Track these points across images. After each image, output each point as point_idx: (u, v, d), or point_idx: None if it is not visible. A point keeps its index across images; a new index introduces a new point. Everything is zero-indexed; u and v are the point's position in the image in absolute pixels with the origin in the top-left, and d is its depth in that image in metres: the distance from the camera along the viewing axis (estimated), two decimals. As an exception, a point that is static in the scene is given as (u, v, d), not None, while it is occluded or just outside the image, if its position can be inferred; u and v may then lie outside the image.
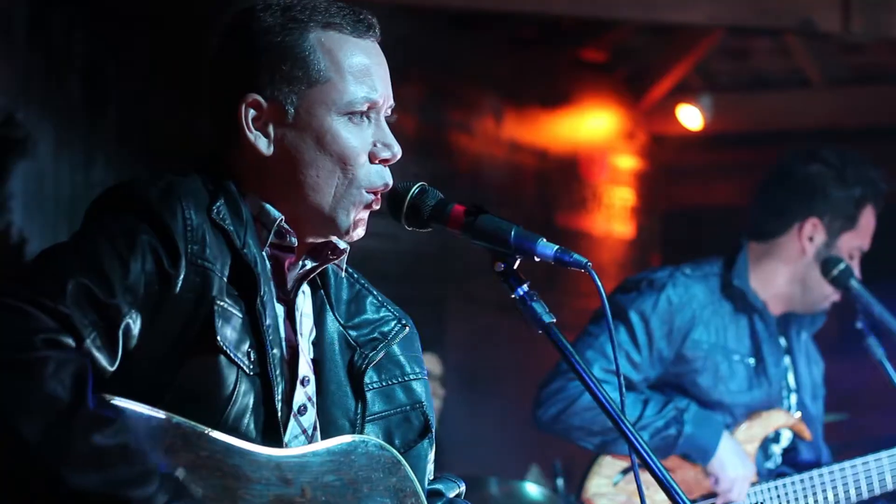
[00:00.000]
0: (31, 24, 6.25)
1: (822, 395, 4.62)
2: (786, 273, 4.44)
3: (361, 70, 2.51)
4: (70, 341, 2.24)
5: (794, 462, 4.46)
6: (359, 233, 2.53)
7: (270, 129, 2.49)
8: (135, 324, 2.31)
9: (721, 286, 4.41)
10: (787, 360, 4.52)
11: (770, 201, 4.48)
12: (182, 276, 2.35)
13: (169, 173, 2.47)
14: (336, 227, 2.51)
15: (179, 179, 2.44)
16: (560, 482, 5.70)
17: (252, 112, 2.48)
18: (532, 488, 5.41)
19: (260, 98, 2.48)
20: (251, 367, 2.39)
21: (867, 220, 4.44)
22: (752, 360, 4.39)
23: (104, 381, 2.28)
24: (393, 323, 2.64)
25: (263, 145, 2.48)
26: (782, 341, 4.51)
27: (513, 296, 2.45)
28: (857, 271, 4.42)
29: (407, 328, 2.65)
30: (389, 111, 2.56)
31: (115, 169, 6.56)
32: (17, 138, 6.16)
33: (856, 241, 4.43)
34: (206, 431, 2.31)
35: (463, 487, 2.74)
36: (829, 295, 4.42)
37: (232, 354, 2.36)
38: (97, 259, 2.30)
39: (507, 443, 7.49)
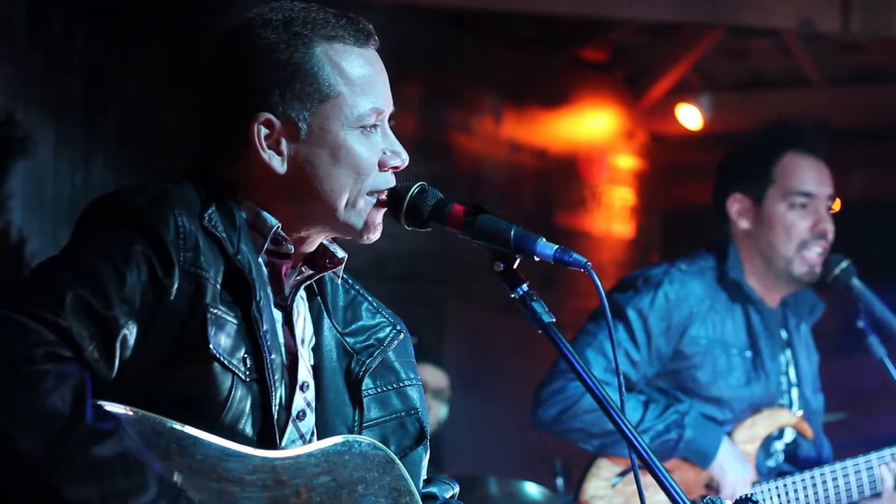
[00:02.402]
0: (31, 24, 6.25)
1: (820, 386, 4.61)
2: (751, 256, 4.43)
3: (368, 81, 2.51)
4: (69, 353, 2.25)
5: (795, 459, 4.45)
6: (376, 235, 2.54)
7: (283, 146, 2.48)
8: (131, 334, 2.32)
9: (716, 280, 4.41)
10: (787, 353, 4.51)
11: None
12: (176, 286, 2.35)
13: (160, 182, 2.46)
14: (353, 230, 2.52)
15: (171, 187, 2.43)
16: (560, 482, 5.69)
17: (264, 131, 2.47)
18: (532, 488, 5.41)
19: (272, 117, 2.47)
20: (247, 373, 2.39)
21: (786, 167, 4.39)
22: (748, 354, 4.38)
23: (100, 390, 2.28)
24: (388, 329, 2.64)
25: (278, 163, 2.48)
26: (783, 334, 4.50)
27: (512, 295, 2.46)
28: (830, 222, 4.38)
29: (402, 334, 2.66)
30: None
31: (115, 169, 6.56)
32: (17, 138, 6.16)
33: (790, 188, 4.38)
34: (200, 436, 2.31)
35: (457, 489, 2.75)
36: (791, 257, 4.37)
37: (226, 361, 2.36)
38: (93, 271, 2.30)
39: (507, 443, 7.49)
